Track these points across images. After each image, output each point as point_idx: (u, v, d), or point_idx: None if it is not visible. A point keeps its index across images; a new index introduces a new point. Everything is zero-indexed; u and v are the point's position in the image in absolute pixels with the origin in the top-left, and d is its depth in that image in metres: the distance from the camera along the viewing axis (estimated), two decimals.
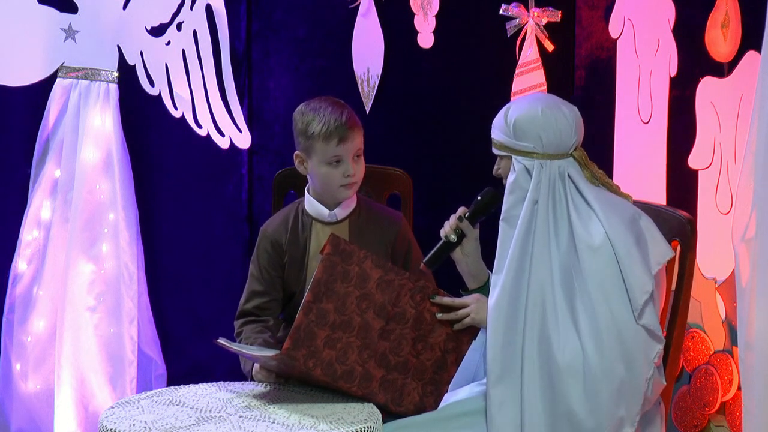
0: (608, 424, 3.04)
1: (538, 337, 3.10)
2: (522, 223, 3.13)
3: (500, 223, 3.18)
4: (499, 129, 3.20)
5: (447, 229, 3.30)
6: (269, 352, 3.19)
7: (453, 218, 3.31)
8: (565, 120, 3.16)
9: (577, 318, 3.08)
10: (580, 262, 3.10)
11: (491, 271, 3.24)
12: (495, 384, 3.11)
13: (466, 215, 3.30)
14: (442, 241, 3.31)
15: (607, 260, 3.08)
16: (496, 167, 3.26)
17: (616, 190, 3.22)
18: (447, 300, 3.27)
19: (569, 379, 3.05)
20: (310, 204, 3.49)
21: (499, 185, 3.27)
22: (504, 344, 3.11)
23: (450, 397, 3.26)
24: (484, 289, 3.32)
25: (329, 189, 3.43)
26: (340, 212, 3.48)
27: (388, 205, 3.72)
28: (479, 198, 3.32)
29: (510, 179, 3.18)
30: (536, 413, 3.08)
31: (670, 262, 3.18)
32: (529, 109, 3.16)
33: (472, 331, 3.29)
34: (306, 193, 3.51)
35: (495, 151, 3.23)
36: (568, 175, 3.16)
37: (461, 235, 3.30)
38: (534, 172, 3.14)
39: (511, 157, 3.18)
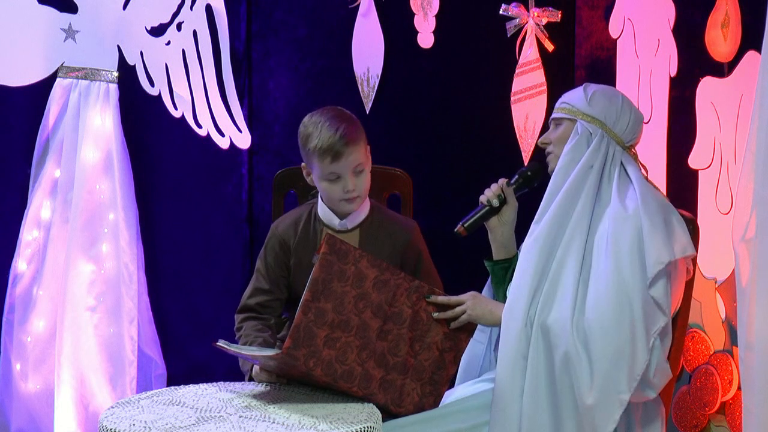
0: (602, 379, 3.07)
1: (551, 296, 3.16)
2: (572, 183, 3.23)
3: (552, 178, 3.28)
4: (573, 96, 3.33)
5: (489, 195, 3.38)
6: (269, 352, 3.19)
7: (495, 185, 3.39)
8: (636, 115, 3.32)
9: (593, 285, 3.13)
10: (610, 228, 3.17)
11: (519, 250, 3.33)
12: (510, 324, 3.17)
13: (510, 183, 3.35)
14: (483, 206, 3.37)
15: (633, 230, 3.15)
16: (545, 136, 3.36)
17: (656, 187, 3.32)
18: (442, 299, 3.28)
19: (573, 343, 3.10)
20: (323, 210, 3.47)
21: (542, 162, 3.35)
22: (529, 281, 3.18)
23: (449, 395, 3.27)
24: (511, 262, 3.38)
25: (331, 203, 3.42)
26: (351, 221, 3.46)
27: (387, 206, 3.71)
28: (525, 169, 3.43)
29: (571, 141, 3.27)
30: (538, 351, 3.14)
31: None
32: (611, 90, 3.35)
33: (470, 328, 3.30)
34: (319, 198, 3.49)
35: (559, 114, 3.33)
36: (622, 163, 3.27)
37: (503, 202, 3.36)
38: (595, 138, 3.26)
39: (574, 122, 3.29)
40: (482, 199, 3.38)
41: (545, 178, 3.34)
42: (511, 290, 3.20)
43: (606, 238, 3.16)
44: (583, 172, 3.23)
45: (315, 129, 3.35)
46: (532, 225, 3.25)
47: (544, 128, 3.34)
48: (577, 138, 3.26)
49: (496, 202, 3.36)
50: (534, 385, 3.12)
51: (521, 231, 3.39)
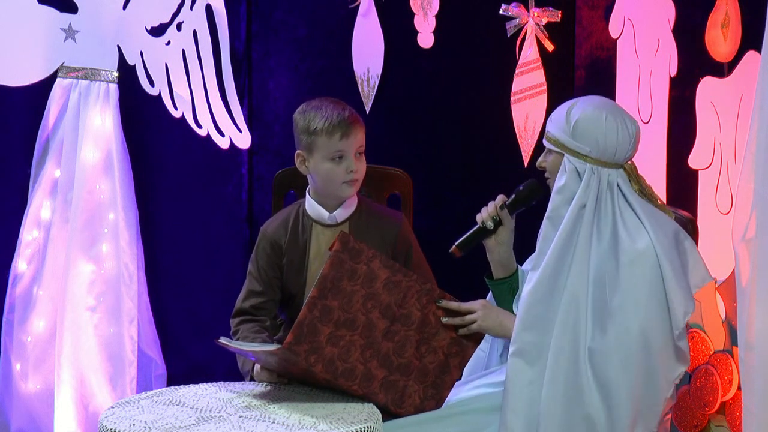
0: None
1: (570, 340, 3.08)
2: (566, 225, 3.12)
3: (544, 220, 3.18)
4: (557, 124, 3.19)
5: (485, 216, 3.31)
6: (271, 347, 3.19)
7: (491, 205, 3.32)
8: (626, 132, 3.16)
9: (605, 328, 3.08)
10: (619, 271, 3.09)
11: (519, 265, 3.30)
12: (518, 375, 3.12)
13: (506, 204, 3.31)
14: (477, 227, 3.32)
15: (648, 271, 3.07)
16: (541, 159, 3.26)
17: (660, 205, 3.23)
18: (453, 304, 3.26)
19: (592, 390, 3.06)
20: (311, 206, 3.48)
21: (540, 178, 3.29)
22: (534, 331, 3.12)
23: (451, 396, 3.26)
24: (511, 280, 3.33)
25: (331, 186, 3.42)
26: (341, 214, 3.47)
27: (388, 206, 3.72)
28: (521, 188, 3.34)
29: (560, 180, 3.16)
30: (554, 415, 3.08)
31: None
32: (594, 112, 3.15)
33: (477, 336, 3.28)
34: (307, 194, 3.50)
35: (547, 144, 3.22)
36: (618, 185, 3.16)
37: (498, 223, 3.31)
38: (585, 176, 3.14)
39: (562, 154, 3.17)
40: (478, 218, 3.32)
41: (544, 195, 3.28)
42: (515, 339, 3.13)
43: (618, 280, 3.09)
44: (576, 212, 3.13)
45: (319, 111, 3.39)
46: (529, 273, 3.18)
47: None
48: (566, 176, 3.15)
49: (490, 224, 3.30)
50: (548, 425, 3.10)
51: (522, 247, 3.38)
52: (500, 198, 3.33)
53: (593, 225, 3.14)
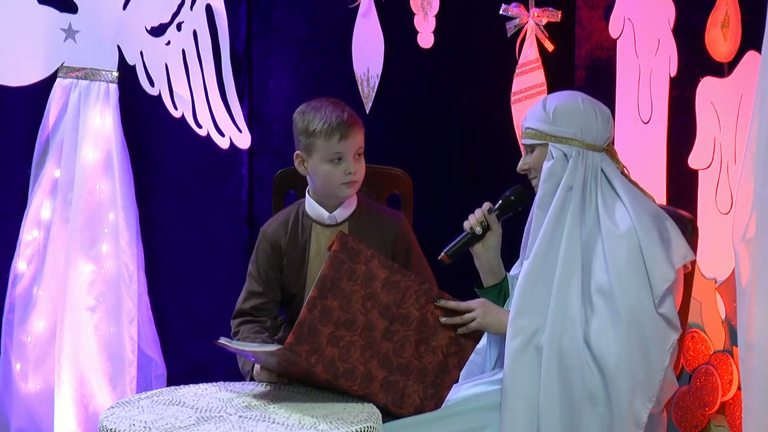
0: (623, 410, 3.07)
1: (563, 321, 3.11)
2: (555, 208, 3.17)
3: (534, 210, 3.23)
4: (535, 118, 3.24)
5: (473, 221, 3.33)
6: (271, 347, 3.19)
7: (479, 211, 3.34)
8: (602, 113, 3.24)
9: (595, 308, 3.10)
10: (604, 247, 3.13)
11: (508, 272, 3.31)
12: (515, 359, 3.13)
13: (493, 209, 3.32)
14: (466, 233, 3.33)
15: (629, 248, 3.11)
16: (522, 162, 3.30)
17: (641, 189, 3.28)
18: (452, 303, 3.26)
19: (590, 367, 3.08)
20: (311, 206, 3.48)
21: (525, 184, 3.30)
22: (529, 315, 3.14)
23: (451, 396, 3.27)
24: (501, 286, 3.35)
25: (330, 188, 3.42)
26: (340, 214, 3.47)
27: (388, 206, 3.72)
28: (508, 194, 3.36)
29: (546, 166, 3.21)
30: (553, 394, 3.10)
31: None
32: (569, 99, 3.24)
33: (476, 335, 3.28)
34: (306, 194, 3.50)
35: (528, 141, 3.26)
36: (602, 169, 3.21)
37: (486, 228, 3.32)
38: (571, 159, 3.19)
39: (546, 145, 3.22)
40: (466, 225, 3.34)
41: (530, 200, 3.31)
42: (510, 324, 3.16)
43: (603, 260, 3.13)
44: (564, 194, 3.17)
45: (318, 112, 3.38)
46: (524, 261, 3.21)
47: None
48: (553, 162, 3.19)
49: (479, 230, 3.32)
50: (549, 411, 3.11)
51: (509, 252, 3.38)
52: (486, 204, 3.34)
53: (580, 207, 3.18)
